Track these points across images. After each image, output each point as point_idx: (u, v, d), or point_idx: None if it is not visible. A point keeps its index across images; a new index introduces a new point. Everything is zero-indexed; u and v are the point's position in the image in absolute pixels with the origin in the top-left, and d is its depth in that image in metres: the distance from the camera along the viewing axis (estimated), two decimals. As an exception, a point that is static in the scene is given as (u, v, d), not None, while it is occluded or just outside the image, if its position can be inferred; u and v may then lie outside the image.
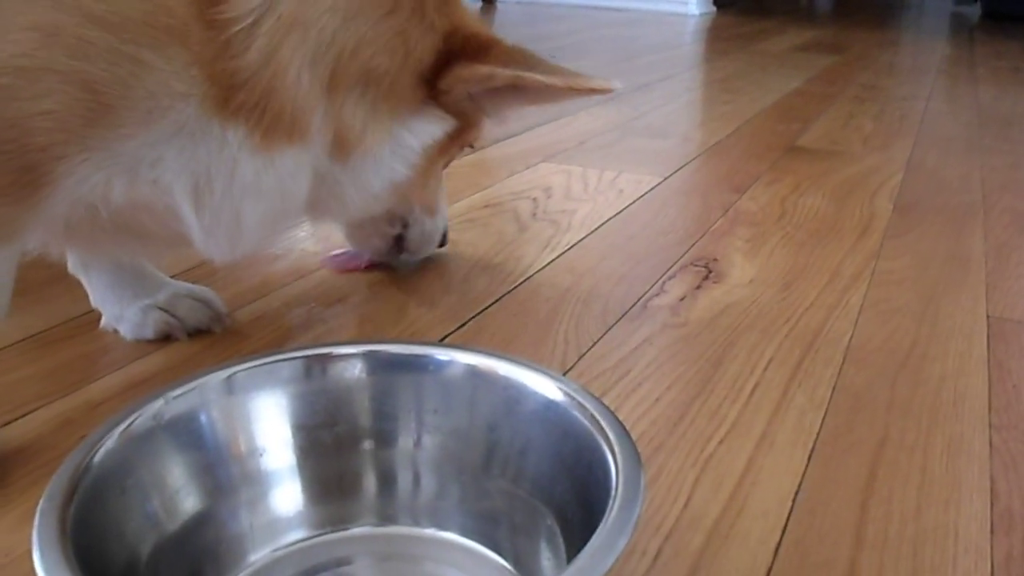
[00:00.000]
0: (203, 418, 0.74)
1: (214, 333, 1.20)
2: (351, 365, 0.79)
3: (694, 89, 3.25)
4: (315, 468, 0.77)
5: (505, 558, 0.74)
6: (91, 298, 1.21)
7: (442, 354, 0.79)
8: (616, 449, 0.65)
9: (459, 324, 1.22)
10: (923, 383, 1.12)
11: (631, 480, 0.61)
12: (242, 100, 0.86)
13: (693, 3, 5.87)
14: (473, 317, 1.24)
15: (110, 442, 0.67)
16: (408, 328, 1.21)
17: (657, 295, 1.35)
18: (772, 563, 0.80)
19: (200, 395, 0.73)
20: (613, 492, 0.61)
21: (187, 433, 0.72)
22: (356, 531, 0.78)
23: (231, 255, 1.00)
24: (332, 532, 0.77)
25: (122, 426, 0.68)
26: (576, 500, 0.68)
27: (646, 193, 1.86)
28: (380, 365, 0.79)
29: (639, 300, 1.33)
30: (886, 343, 1.22)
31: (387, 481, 0.79)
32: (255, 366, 0.76)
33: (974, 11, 7.09)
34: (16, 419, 0.99)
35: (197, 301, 1.22)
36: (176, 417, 0.72)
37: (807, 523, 0.85)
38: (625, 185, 1.91)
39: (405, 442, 0.79)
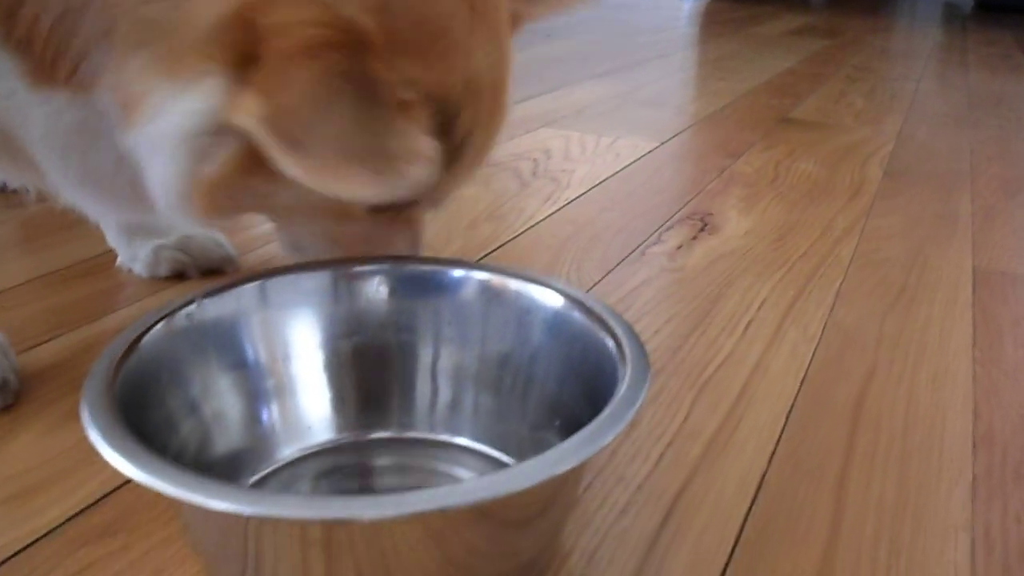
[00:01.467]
0: (236, 321, 0.79)
1: (224, 273, 1.25)
2: (374, 280, 0.84)
3: (688, 68, 3.29)
4: (339, 376, 0.82)
5: (513, 458, 0.79)
6: (107, 238, 1.26)
7: (457, 270, 0.83)
8: (623, 342, 0.69)
9: (464, 267, 1.27)
10: (910, 323, 1.17)
11: (638, 365, 0.66)
12: (19, 29, 0.79)
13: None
14: (478, 260, 1.29)
15: (148, 335, 0.71)
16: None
17: (654, 244, 1.39)
18: (767, 470, 0.85)
19: (234, 299, 0.79)
20: (621, 379, 0.65)
21: (221, 334, 0.77)
22: (376, 435, 0.83)
23: (111, 212, 1.04)
24: (354, 436, 0.82)
25: (159, 322, 0.73)
26: (585, 398, 0.72)
27: (643, 156, 1.91)
28: (400, 280, 0.84)
29: (637, 248, 1.37)
30: (875, 288, 1.27)
31: (406, 390, 0.84)
32: (285, 276, 0.82)
33: (967, 1, 7.13)
34: (39, 344, 1.03)
35: (208, 242, 1.25)
36: (211, 318, 0.77)
37: (799, 438, 0.90)
38: (622, 149, 1.95)
39: (424, 353, 0.83)
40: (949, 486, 0.84)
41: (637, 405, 0.61)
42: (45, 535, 0.74)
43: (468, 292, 0.83)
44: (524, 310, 0.80)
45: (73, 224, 1.26)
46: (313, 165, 0.67)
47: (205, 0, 0.72)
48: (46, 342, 1.04)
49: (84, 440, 0.83)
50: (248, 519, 0.54)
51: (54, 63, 0.79)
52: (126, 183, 0.86)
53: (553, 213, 1.51)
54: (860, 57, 3.68)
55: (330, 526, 0.54)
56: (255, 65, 0.68)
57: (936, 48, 4.26)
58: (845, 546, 0.76)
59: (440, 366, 0.83)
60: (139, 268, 1.24)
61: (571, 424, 0.71)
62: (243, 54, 0.69)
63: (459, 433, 0.82)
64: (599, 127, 2.13)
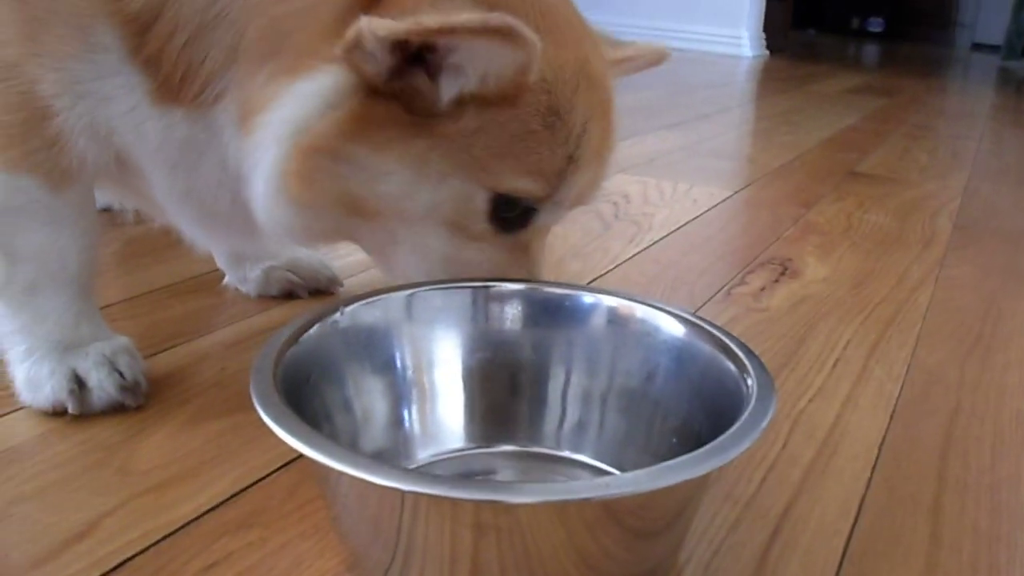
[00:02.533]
0: (384, 329, 0.85)
1: (331, 293, 1.30)
2: (511, 301, 0.89)
3: (752, 121, 3.35)
4: (473, 389, 0.88)
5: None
6: (216, 261, 1.31)
7: (588, 296, 0.89)
8: (746, 363, 0.74)
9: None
10: (990, 368, 1.21)
11: (763, 383, 0.71)
12: (149, 50, 0.85)
13: (746, 46, 5.97)
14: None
15: (304, 335, 0.77)
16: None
17: (739, 285, 1.44)
18: (864, 494, 0.89)
19: (381, 309, 0.85)
20: (747, 395, 0.70)
21: (370, 340, 0.84)
22: (503, 448, 0.88)
23: (209, 234, 1.05)
24: (484, 447, 0.88)
25: (313, 324, 0.79)
26: (705, 415, 0.77)
27: (718, 203, 1.96)
28: (535, 303, 0.89)
29: (722, 288, 1.43)
30: (954, 334, 1.32)
31: (534, 407, 0.89)
32: (429, 291, 0.87)
33: (1021, 65, 7.17)
34: (160, 352, 1.10)
35: (316, 263, 1.31)
36: (361, 325, 0.83)
37: (893, 466, 0.94)
38: (698, 196, 2.01)
39: (554, 374, 0.88)
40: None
41: (767, 419, 0.66)
42: (183, 526, 0.79)
43: (598, 318, 0.88)
44: (650, 336, 0.85)
45: (173, 244, 1.30)
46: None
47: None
48: (161, 352, 1.10)
49: (213, 440, 0.92)
50: (404, 495, 0.59)
51: (182, 83, 0.85)
52: (228, 201, 0.93)
53: (637, 253, 1.57)
54: (919, 116, 3.72)
55: (480, 506, 0.58)
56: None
57: (992, 109, 4.30)
58: (944, 569, 0.80)
59: (569, 387, 0.88)
60: (249, 288, 1.29)
61: (692, 440, 0.75)
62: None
63: (582, 451, 0.87)
64: (673, 175, 2.19)
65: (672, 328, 0.84)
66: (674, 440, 0.81)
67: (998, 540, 0.84)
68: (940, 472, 0.94)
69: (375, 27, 0.74)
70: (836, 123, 3.24)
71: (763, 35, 6.10)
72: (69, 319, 0.97)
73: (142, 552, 0.75)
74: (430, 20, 0.74)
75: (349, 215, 0.87)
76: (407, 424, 0.85)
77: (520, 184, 0.85)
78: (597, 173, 0.91)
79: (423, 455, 0.85)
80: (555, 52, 0.84)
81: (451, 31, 0.74)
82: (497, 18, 0.72)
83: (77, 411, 0.94)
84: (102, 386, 0.95)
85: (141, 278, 1.31)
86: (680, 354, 0.83)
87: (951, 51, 9.00)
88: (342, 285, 1.32)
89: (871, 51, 8.11)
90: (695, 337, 0.82)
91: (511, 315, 0.89)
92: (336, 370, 0.80)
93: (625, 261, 1.52)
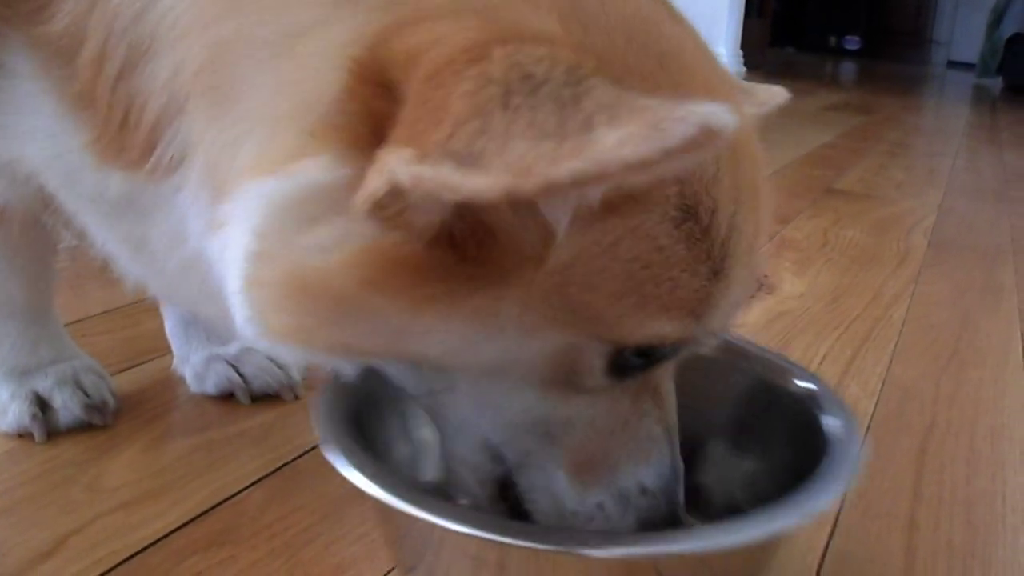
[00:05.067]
0: None
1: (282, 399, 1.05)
2: None
3: (729, 138, 3.35)
4: None
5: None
6: (166, 327, 1.11)
7: None
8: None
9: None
10: (965, 383, 1.21)
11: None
12: (78, 86, 0.64)
13: (725, 63, 5.97)
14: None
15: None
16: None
17: (714, 301, 1.44)
18: (839, 511, 0.88)
19: None
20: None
21: None
22: None
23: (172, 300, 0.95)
24: None
25: None
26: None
27: (694, 220, 1.96)
28: None
29: (698, 305, 1.42)
30: (929, 350, 1.32)
31: None
32: None
33: (996, 83, 7.21)
34: (133, 367, 1.10)
35: (271, 360, 1.05)
36: None
37: (868, 483, 0.94)
38: (674, 212, 2.00)
39: None
40: (1015, 530, 0.88)
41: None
42: (151, 544, 0.78)
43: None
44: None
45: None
46: (510, 164, 0.43)
47: (316, 65, 0.55)
48: (134, 367, 1.09)
49: (184, 457, 0.91)
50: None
51: (122, 135, 0.63)
52: (181, 266, 0.69)
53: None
54: (896, 133, 3.73)
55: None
56: (391, 119, 0.50)
57: (968, 127, 4.32)
58: (919, 583, 0.80)
59: None
60: (188, 376, 1.06)
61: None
62: (374, 112, 0.52)
63: None
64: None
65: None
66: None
67: (973, 556, 0.84)
68: (915, 488, 0.94)
69: (444, 180, 0.44)
70: (814, 140, 3.25)
71: (741, 52, 6.12)
72: (25, 344, 0.96)
73: (109, 571, 0.74)
74: (566, 166, 0.42)
75: (370, 359, 0.65)
76: None
77: (654, 329, 0.59)
78: (750, 280, 0.65)
79: None
80: None
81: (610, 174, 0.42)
82: (696, 120, 0.41)
83: (42, 437, 0.93)
84: (67, 406, 0.94)
85: (111, 293, 1.30)
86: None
87: (927, 69, 9.04)
88: (299, 396, 1.05)
89: (848, 69, 8.14)
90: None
91: None
92: (393, 400, 0.77)
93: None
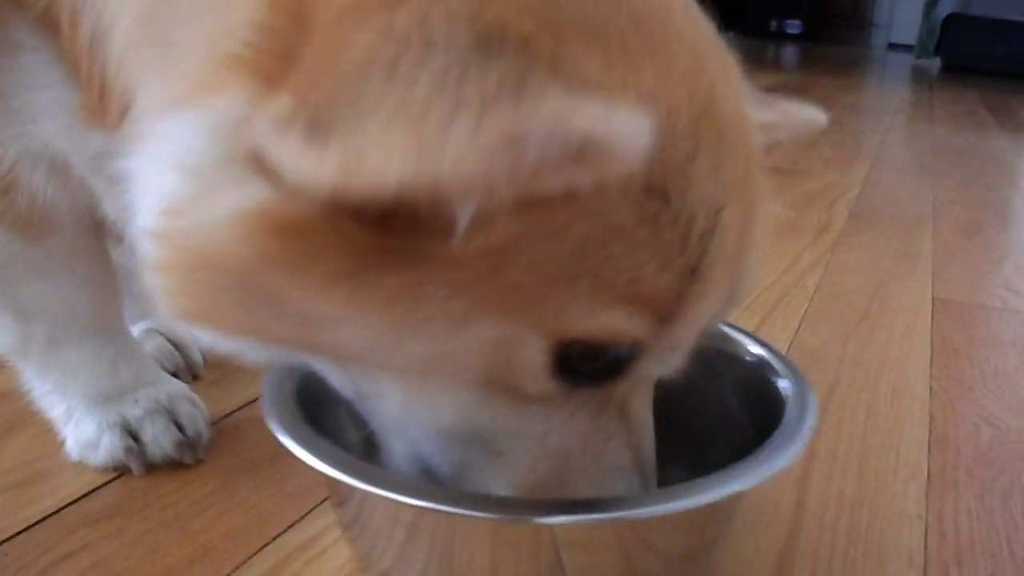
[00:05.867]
0: None
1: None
2: None
3: (662, 120, 3.36)
4: None
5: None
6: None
7: None
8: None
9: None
10: (871, 344, 1.23)
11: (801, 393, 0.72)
12: (67, 55, 0.63)
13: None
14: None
15: None
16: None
17: (628, 274, 1.45)
18: (732, 467, 0.90)
19: None
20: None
21: None
22: None
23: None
24: None
25: None
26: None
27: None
28: None
29: (611, 277, 1.43)
30: (839, 315, 1.33)
31: None
32: None
33: (934, 64, 7.27)
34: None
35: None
36: None
37: (764, 440, 0.95)
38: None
39: None
40: (905, 481, 0.89)
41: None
42: (42, 520, 0.78)
43: None
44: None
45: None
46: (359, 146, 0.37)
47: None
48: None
49: None
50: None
51: (101, 100, 0.62)
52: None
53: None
54: (830, 112, 3.71)
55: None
56: (299, 59, 0.45)
57: (904, 105, 4.36)
58: (806, 533, 0.81)
59: None
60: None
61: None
62: (287, 48, 0.46)
63: None
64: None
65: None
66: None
67: (861, 505, 0.85)
68: (811, 444, 0.95)
69: (283, 153, 0.39)
70: (745, 120, 3.27)
71: (679, 38, 6.15)
72: (103, 368, 0.87)
73: (-6, 547, 0.74)
74: (396, 169, 0.36)
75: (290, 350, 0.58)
76: None
77: (602, 321, 0.51)
78: (734, 289, 0.57)
79: None
80: (656, 86, 0.48)
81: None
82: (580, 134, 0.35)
83: (141, 471, 0.85)
84: (158, 441, 0.86)
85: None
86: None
87: (868, 51, 9.10)
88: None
89: (790, 52, 8.18)
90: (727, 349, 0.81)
91: None
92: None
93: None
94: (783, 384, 0.73)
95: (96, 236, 0.82)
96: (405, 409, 0.58)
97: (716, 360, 0.77)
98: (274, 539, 0.76)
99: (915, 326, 1.31)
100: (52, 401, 0.87)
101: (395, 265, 0.47)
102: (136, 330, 1.04)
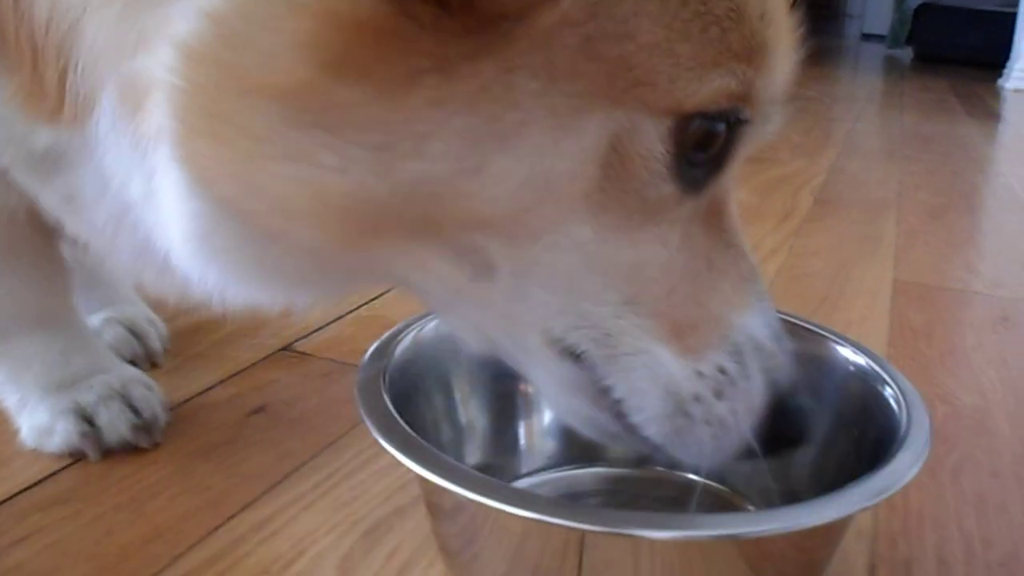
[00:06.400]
0: None
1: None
2: None
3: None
4: None
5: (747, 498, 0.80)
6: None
7: None
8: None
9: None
10: (830, 326, 1.23)
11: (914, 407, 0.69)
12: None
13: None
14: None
15: (404, 344, 0.73)
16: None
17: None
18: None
19: None
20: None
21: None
22: (615, 470, 0.83)
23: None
24: (591, 466, 0.82)
25: (412, 332, 0.75)
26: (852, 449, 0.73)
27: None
28: None
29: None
30: (798, 297, 1.34)
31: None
32: None
33: (907, 53, 7.30)
34: None
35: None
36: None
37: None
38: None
39: None
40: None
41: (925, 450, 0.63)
42: (-4, 505, 0.79)
43: None
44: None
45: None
46: None
47: None
48: None
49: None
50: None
51: (34, 80, 0.57)
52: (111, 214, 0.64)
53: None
54: (800, 101, 3.77)
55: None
56: None
57: (875, 93, 4.39)
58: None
59: None
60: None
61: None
62: None
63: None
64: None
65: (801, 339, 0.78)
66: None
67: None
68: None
69: None
70: (714, 109, 3.28)
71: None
72: (54, 358, 0.86)
73: (-55, 533, 0.75)
74: None
75: (349, 235, 0.50)
76: (512, 438, 0.81)
77: (716, 83, 0.49)
78: (795, 32, 0.57)
79: (525, 470, 0.81)
80: None
81: None
82: None
83: (97, 455, 0.84)
84: (113, 425, 0.85)
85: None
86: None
87: (842, 41, 9.13)
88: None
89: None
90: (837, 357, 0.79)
91: None
92: (439, 379, 0.76)
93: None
94: (889, 392, 0.71)
95: (39, 229, 0.79)
96: (523, 278, 0.53)
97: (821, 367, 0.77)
98: (228, 519, 0.77)
99: (874, 307, 1.32)
100: (5, 391, 0.87)
101: (479, 52, 0.44)
102: (95, 320, 1.05)
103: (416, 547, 0.73)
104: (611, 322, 0.53)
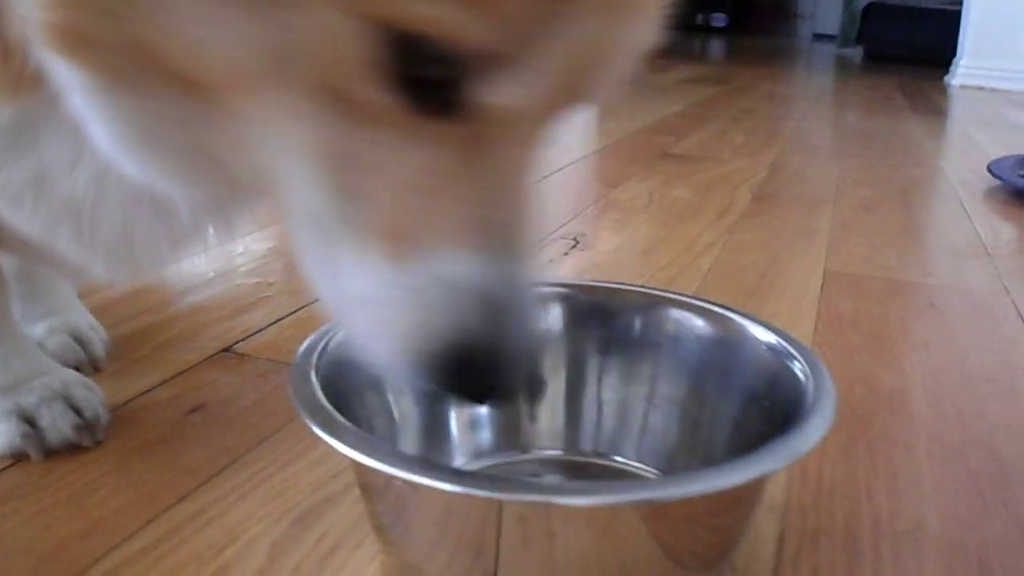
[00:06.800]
0: None
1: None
2: (549, 304, 0.85)
3: (580, 113, 3.41)
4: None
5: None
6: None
7: (625, 296, 0.86)
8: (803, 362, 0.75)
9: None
10: (760, 315, 1.27)
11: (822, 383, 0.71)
12: None
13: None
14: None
15: (337, 337, 0.75)
16: (302, 289, 1.33)
17: (528, 259, 1.49)
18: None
19: None
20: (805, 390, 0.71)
21: None
22: (545, 455, 0.85)
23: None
24: (523, 455, 0.85)
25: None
26: (766, 421, 0.75)
27: (525, 188, 2.01)
28: (573, 305, 0.85)
29: (512, 262, 1.47)
30: (730, 289, 1.38)
31: (573, 412, 0.86)
32: None
33: (857, 54, 7.39)
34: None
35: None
36: None
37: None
38: (506, 183, 2.05)
39: (591, 377, 0.85)
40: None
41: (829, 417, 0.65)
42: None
43: (637, 317, 0.85)
44: (692, 333, 0.83)
45: None
46: None
47: None
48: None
49: None
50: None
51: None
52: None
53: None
54: (747, 101, 3.83)
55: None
56: None
57: (822, 92, 4.45)
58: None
59: (605, 390, 0.85)
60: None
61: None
62: None
63: (624, 455, 0.85)
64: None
65: (712, 322, 0.83)
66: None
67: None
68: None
69: None
70: (662, 111, 3.33)
71: (603, 34, 6.21)
72: None
73: None
74: None
75: (162, 85, 0.51)
76: (445, 430, 0.83)
77: (430, 10, 0.45)
78: (615, 18, 0.51)
79: (460, 461, 0.83)
80: None
81: None
82: None
83: (39, 456, 0.86)
84: (56, 425, 0.87)
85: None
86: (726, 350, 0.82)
87: (794, 43, 9.23)
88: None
89: (716, 45, 8.28)
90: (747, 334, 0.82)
91: (549, 317, 0.85)
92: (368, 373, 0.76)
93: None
94: (797, 367, 0.74)
95: None
96: (273, 157, 0.53)
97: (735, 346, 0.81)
98: (164, 511, 0.79)
99: (804, 298, 1.36)
100: None
101: None
102: (39, 329, 1.07)
103: (345, 531, 0.76)
104: (344, 207, 0.52)
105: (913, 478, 0.88)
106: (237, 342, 1.12)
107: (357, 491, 0.74)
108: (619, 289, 0.86)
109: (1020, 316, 1.33)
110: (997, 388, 1.09)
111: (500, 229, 0.53)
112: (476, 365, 0.54)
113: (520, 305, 0.55)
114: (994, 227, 1.85)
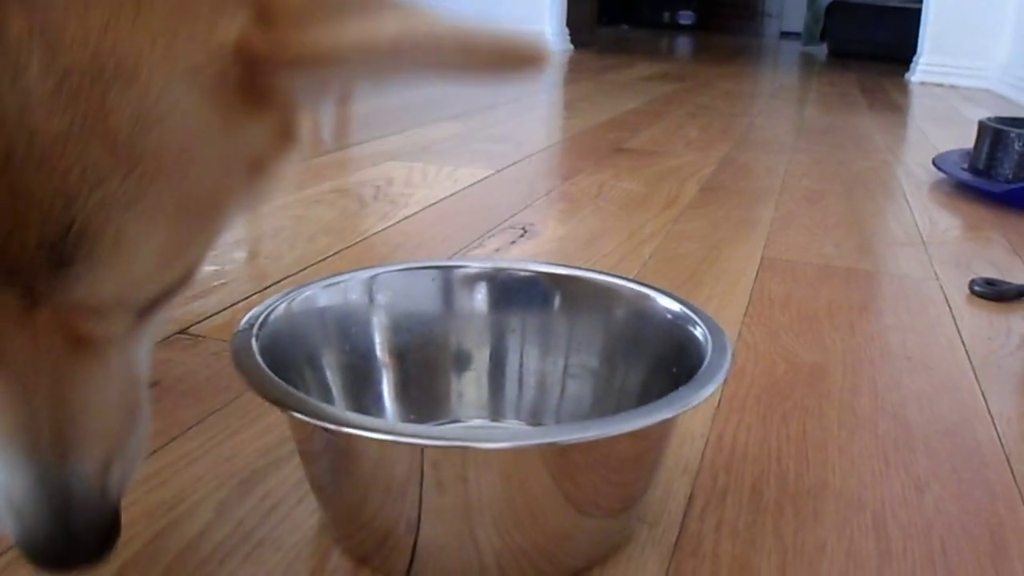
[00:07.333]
0: (349, 310, 0.87)
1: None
2: (476, 282, 0.92)
3: (537, 108, 3.48)
4: (438, 369, 0.92)
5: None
6: None
7: (540, 275, 0.92)
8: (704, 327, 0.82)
9: (301, 269, 1.41)
10: (692, 299, 1.33)
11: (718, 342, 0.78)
12: None
13: (549, 41, 6.11)
14: (312, 265, 1.43)
15: (277, 312, 0.80)
16: (257, 276, 1.39)
17: (476, 248, 1.55)
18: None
19: (341, 292, 0.87)
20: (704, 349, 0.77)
21: (336, 319, 0.86)
22: (472, 423, 0.91)
23: None
24: (448, 422, 0.91)
25: (285, 302, 0.82)
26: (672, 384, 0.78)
27: (478, 182, 2.07)
28: (496, 284, 0.92)
29: (459, 251, 1.53)
30: (667, 275, 1.45)
31: (498, 383, 0.92)
32: (393, 271, 0.90)
33: (821, 50, 7.48)
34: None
35: None
36: (327, 305, 0.86)
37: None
38: (460, 176, 2.11)
39: (513, 351, 0.92)
40: (697, 410, 1.00)
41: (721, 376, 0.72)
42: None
43: (556, 295, 0.91)
44: (608, 306, 0.90)
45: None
46: None
47: None
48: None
49: None
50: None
51: None
52: None
53: (387, 228, 1.66)
54: (705, 98, 3.90)
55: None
56: None
57: (780, 89, 4.52)
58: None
59: (527, 362, 0.91)
60: None
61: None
62: None
63: (544, 420, 0.91)
64: (441, 159, 2.29)
65: (623, 295, 0.89)
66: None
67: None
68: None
69: None
70: (619, 107, 3.39)
71: (567, 31, 6.27)
72: None
73: None
74: None
75: None
76: (378, 401, 0.88)
77: None
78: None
79: None
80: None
81: None
82: None
83: None
84: None
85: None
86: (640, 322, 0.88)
87: (761, 40, 9.32)
88: None
89: (683, 43, 8.36)
90: (652, 304, 0.88)
91: (473, 298, 0.91)
92: (308, 347, 0.83)
93: (374, 235, 1.62)
94: (699, 332, 0.81)
95: None
96: None
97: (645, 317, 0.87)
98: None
99: (739, 283, 1.43)
100: None
101: None
102: None
103: (287, 491, 0.82)
104: None
105: (822, 443, 0.95)
106: (192, 324, 1.17)
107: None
108: (539, 270, 0.92)
109: (946, 300, 1.40)
110: (913, 364, 1.15)
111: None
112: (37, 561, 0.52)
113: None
114: (933, 217, 1.93)
